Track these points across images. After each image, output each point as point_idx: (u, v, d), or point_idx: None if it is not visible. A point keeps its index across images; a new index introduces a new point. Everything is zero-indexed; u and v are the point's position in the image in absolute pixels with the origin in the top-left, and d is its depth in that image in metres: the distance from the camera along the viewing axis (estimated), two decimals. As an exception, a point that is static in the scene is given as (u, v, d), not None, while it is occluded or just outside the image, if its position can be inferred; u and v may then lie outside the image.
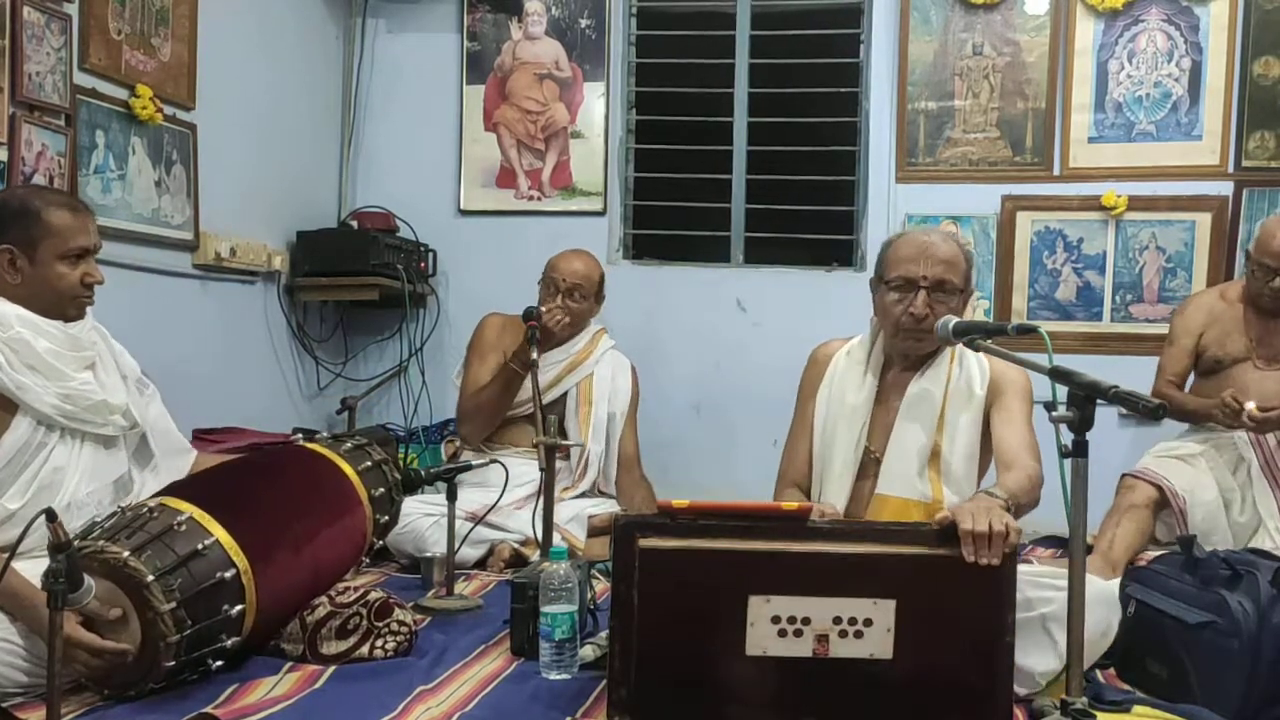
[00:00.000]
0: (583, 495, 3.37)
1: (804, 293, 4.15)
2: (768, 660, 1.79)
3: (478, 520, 2.94)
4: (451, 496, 2.70)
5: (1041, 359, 1.90)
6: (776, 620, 1.78)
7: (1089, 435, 1.78)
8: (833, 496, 2.35)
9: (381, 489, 2.47)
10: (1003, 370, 2.35)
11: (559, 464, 3.08)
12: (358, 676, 2.05)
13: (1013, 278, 4.04)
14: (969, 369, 2.37)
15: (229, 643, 1.99)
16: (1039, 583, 2.03)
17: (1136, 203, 3.94)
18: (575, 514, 3.17)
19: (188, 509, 2.01)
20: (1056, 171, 4.01)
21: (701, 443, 4.18)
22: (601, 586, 2.67)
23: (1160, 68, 3.94)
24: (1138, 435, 3.69)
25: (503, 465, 2.87)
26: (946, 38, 4.06)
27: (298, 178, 4.12)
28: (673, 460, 3.94)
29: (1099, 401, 1.77)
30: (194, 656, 1.93)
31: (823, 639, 1.78)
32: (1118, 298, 4.00)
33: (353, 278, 3.98)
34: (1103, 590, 2.13)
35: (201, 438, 3.16)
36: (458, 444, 3.52)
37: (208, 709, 1.84)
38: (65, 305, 2.15)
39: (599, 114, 4.30)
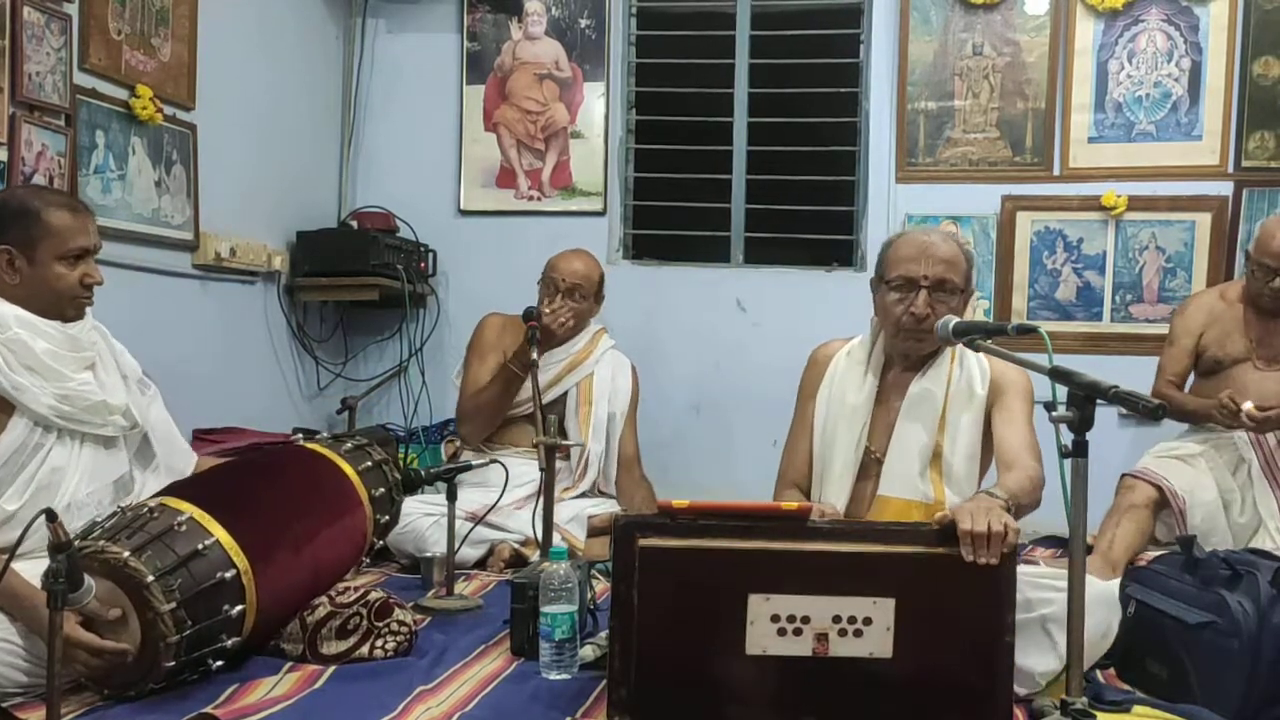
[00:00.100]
0: (583, 495, 3.37)
1: (804, 293, 4.15)
2: (767, 659, 1.79)
3: (478, 520, 2.94)
4: (451, 496, 2.70)
5: (1041, 359, 1.90)
6: (776, 619, 1.78)
7: (1089, 435, 1.78)
8: (833, 497, 2.35)
9: (382, 489, 2.48)
10: (1003, 370, 2.35)
11: (559, 464, 3.08)
12: (358, 676, 2.05)
13: (1013, 278, 4.04)
14: (969, 369, 2.37)
15: (229, 643, 1.99)
16: (1039, 583, 2.03)
17: (1136, 203, 3.94)
18: (575, 514, 3.17)
19: (188, 509, 2.01)
20: (1056, 171, 4.01)
21: (701, 443, 4.18)
22: (601, 586, 2.67)
23: (1160, 68, 3.94)
24: (1138, 435, 3.69)
25: (503, 465, 2.87)
26: (946, 38, 4.06)
27: (298, 178, 4.12)
28: (673, 460, 3.94)
29: (1099, 401, 1.77)
30: (194, 657, 1.93)
31: (822, 638, 1.78)
32: (1118, 298, 4.00)
33: (353, 278, 3.98)
34: (1103, 591, 2.13)
35: (201, 438, 3.16)
36: (458, 444, 3.52)
37: (208, 709, 1.84)
38: (64, 306, 2.14)
39: (599, 114, 4.30)
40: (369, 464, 2.47)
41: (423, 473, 2.74)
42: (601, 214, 4.31)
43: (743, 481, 3.62)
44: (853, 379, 2.43)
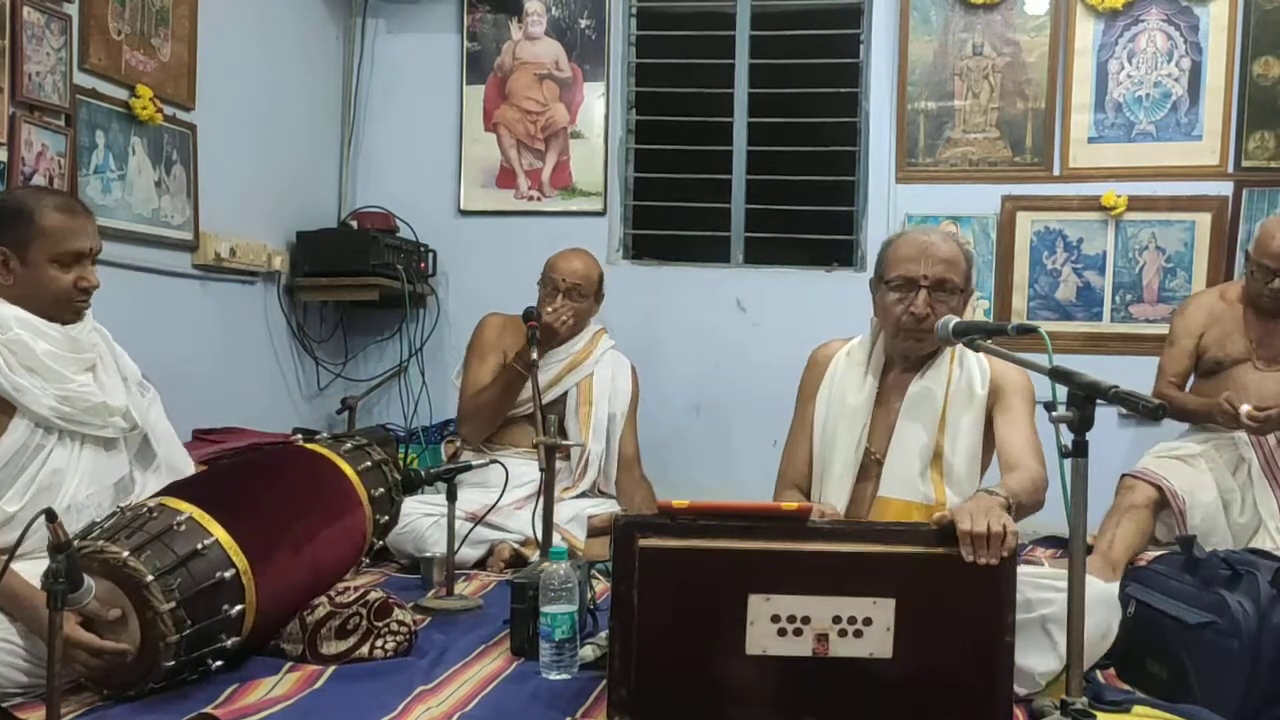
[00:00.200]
0: (583, 495, 3.38)
1: (804, 293, 4.15)
2: (767, 660, 1.79)
3: (478, 520, 2.94)
4: (451, 496, 2.70)
5: (1041, 359, 1.90)
6: (776, 620, 1.78)
7: (1089, 435, 1.78)
8: (833, 498, 2.35)
9: (381, 489, 2.48)
10: (1003, 371, 2.35)
11: (559, 464, 3.08)
12: (358, 676, 2.05)
13: (1013, 278, 4.04)
14: (969, 369, 2.37)
15: (229, 643, 1.99)
16: (1039, 584, 2.03)
17: (1136, 203, 3.94)
18: (575, 514, 3.17)
19: (187, 509, 2.01)
20: (1056, 172, 4.01)
21: (701, 443, 4.18)
22: (601, 586, 2.67)
23: (1160, 68, 3.94)
24: (1138, 435, 3.69)
25: (503, 465, 2.87)
26: (946, 38, 4.06)
27: (298, 178, 4.12)
28: (672, 460, 3.94)
29: (1099, 401, 1.77)
30: (194, 656, 1.93)
31: (822, 638, 1.78)
32: (1117, 298, 3.99)
33: (353, 278, 3.98)
34: (1103, 592, 2.13)
35: (201, 438, 3.16)
36: (458, 444, 3.52)
37: (208, 709, 1.84)
38: (59, 309, 2.12)
39: (599, 114, 4.30)
40: (369, 464, 2.47)
41: (423, 473, 2.74)
42: (601, 214, 4.31)
43: (742, 482, 3.62)
44: (852, 380, 2.42)
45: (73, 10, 2.95)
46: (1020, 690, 1.95)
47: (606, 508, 3.25)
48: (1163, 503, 2.99)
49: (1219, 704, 1.96)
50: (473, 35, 4.37)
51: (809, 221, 4.24)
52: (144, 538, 1.92)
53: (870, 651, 1.79)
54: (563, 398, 3.42)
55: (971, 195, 4.05)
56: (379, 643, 2.17)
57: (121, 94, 3.14)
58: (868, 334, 2.46)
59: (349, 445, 2.51)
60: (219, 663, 1.99)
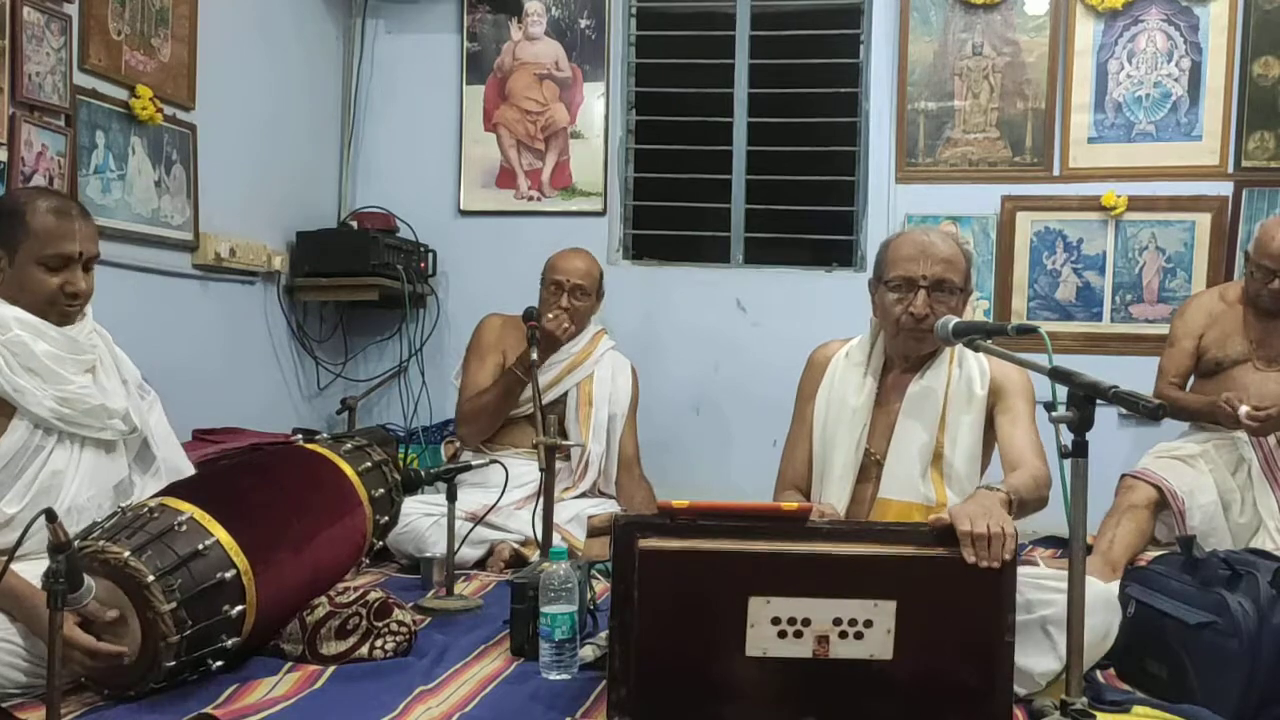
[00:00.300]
0: (583, 495, 3.38)
1: (804, 293, 4.15)
2: (768, 661, 1.79)
3: (478, 520, 2.94)
4: (451, 497, 2.70)
5: (1041, 359, 1.90)
6: (777, 622, 1.78)
7: (1089, 435, 1.78)
8: (833, 499, 2.34)
9: (382, 489, 2.48)
10: (1003, 371, 2.35)
11: (559, 464, 3.08)
12: (357, 676, 2.05)
13: (1013, 278, 4.04)
14: (969, 369, 2.37)
15: (229, 643, 1.99)
16: (1039, 585, 2.03)
17: (1136, 203, 3.94)
18: (575, 514, 3.17)
19: (188, 509, 2.01)
20: (1056, 172, 4.01)
21: (701, 443, 4.18)
22: (601, 586, 2.67)
23: (1160, 68, 3.94)
24: (1138, 435, 3.69)
25: (503, 465, 2.87)
26: (946, 38, 4.06)
27: (298, 178, 4.12)
28: (672, 461, 3.94)
29: (1099, 402, 1.77)
30: (194, 657, 1.93)
31: (823, 640, 1.78)
32: (1117, 298, 4.00)
33: (353, 278, 3.98)
34: (1103, 594, 2.13)
35: (201, 438, 3.15)
36: (457, 444, 3.52)
37: (208, 709, 1.84)
38: (44, 311, 2.09)
39: (599, 114, 4.30)
40: (369, 464, 2.47)
41: (423, 473, 2.74)
42: (601, 214, 4.31)
43: (742, 482, 3.63)
44: (852, 381, 2.42)
45: (73, 10, 2.95)
46: (1020, 690, 1.95)
47: (606, 508, 3.25)
48: (1163, 503, 2.99)
49: (1218, 704, 1.96)
50: (473, 35, 4.37)
51: (809, 221, 4.24)
52: (145, 538, 1.92)
53: (871, 653, 1.78)
54: (563, 398, 3.42)
55: (971, 195, 4.06)
56: (379, 643, 2.17)
57: (121, 94, 3.14)
58: (866, 334, 2.46)
59: (349, 446, 2.51)
60: (219, 663, 1.99)
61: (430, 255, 4.30)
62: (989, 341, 2.10)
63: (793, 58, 4.22)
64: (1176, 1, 3.91)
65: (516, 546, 3.12)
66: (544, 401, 3.14)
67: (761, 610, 1.78)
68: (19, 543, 1.62)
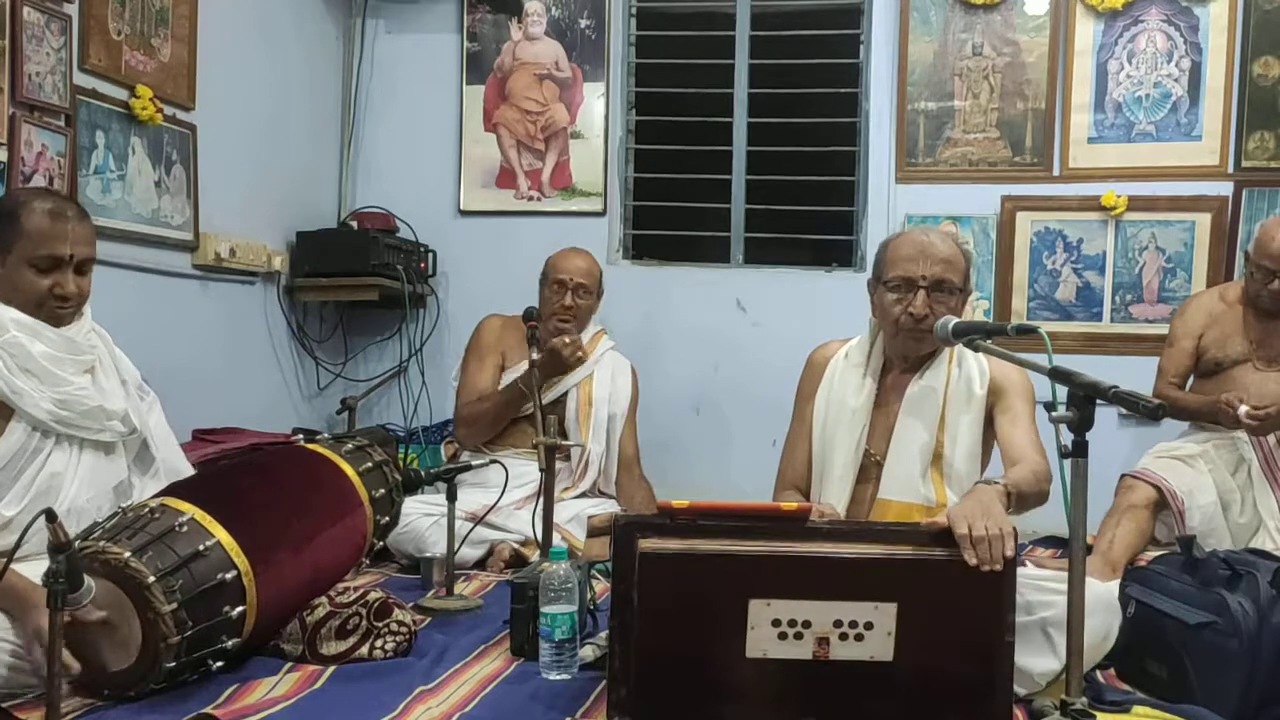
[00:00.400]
0: (583, 495, 3.38)
1: (804, 293, 4.15)
2: (768, 662, 1.79)
3: (478, 520, 2.94)
4: (451, 497, 2.70)
5: (1041, 359, 1.90)
6: (777, 624, 1.78)
7: (1089, 436, 1.78)
8: (832, 499, 2.34)
9: (382, 490, 2.48)
10: (1003, 371, 2.35)
11: (559, 464, 3.08)
12: (357, 676, 2.05)
13: (1013, 278, 4.04)
14: (968, 369, 2.37)
15: (229, 644, 1.99)
16: (1039, 586, 2.03)
17: (1136, 203, 3.94)
18: (575, 514, 3.17)
19: (189, 510, 2.01)
20: (1056, 172, 4.01)
21: (701, 443, 4.18)
22: (601, 586, 2.67)
23: (1160, 68, 3.94)
24: (1138, 435, 3.69)
25: (503, 465, 2.87)
26: (946, 38, 4.06)
27: (298, 178, 4.12)
28: (672, 461, 3.94)
29: (1099, 402, 1.77)
30: (194, 657, 1.93)
31: (823, 642, 1.78)
32: (1117, 298, 4.00)
33: (352, 278, 3.98)
34: (1103, 595, 2.13)
35: (201, 438, 3.16)
36: (457, 444, 3.52)
37: (208, 709, 1.84)
38: (35, 313, 2.08)
39: (599, 114, 4.30)
40: (369, 465, 2.47)
41: (423, 473, 2.74)
42: (601, 214, 4.31)
43: (742, 482, 3.63)
44: (851, 381, 2.42)
45: (73, 10, 2.95)
46: (1020, 690, 1.95)
47: (606, 508, 3.25)
48: (1162, 503, 2.99)
49: (1218, 704, 1.96)
50: (472, 35, 4.37)
51: (809, 221, 4.24)
52: (146, 538, 1.92)
53: (871, 654, 1.78)
54: (563, 398, 3.42)
55: (971, 195, 4.06)
56: (379, 643, 2.17)
57: (121, 94, 3.14)
58: (866, 335, 2.46)
59: (350, 446, 2.51)
60: (219, 663, 1.99)
61: (430, 255, 4.30)
62: (989, 341, 2.10)
63: (793, 58, 4.22)
64: (1176, 2, 3.91)
65: (516, 546, 3.12)
66: (544, 402, 3.14)
67: (762, 612, 1.77)
68: (18, 544, 1.62)
